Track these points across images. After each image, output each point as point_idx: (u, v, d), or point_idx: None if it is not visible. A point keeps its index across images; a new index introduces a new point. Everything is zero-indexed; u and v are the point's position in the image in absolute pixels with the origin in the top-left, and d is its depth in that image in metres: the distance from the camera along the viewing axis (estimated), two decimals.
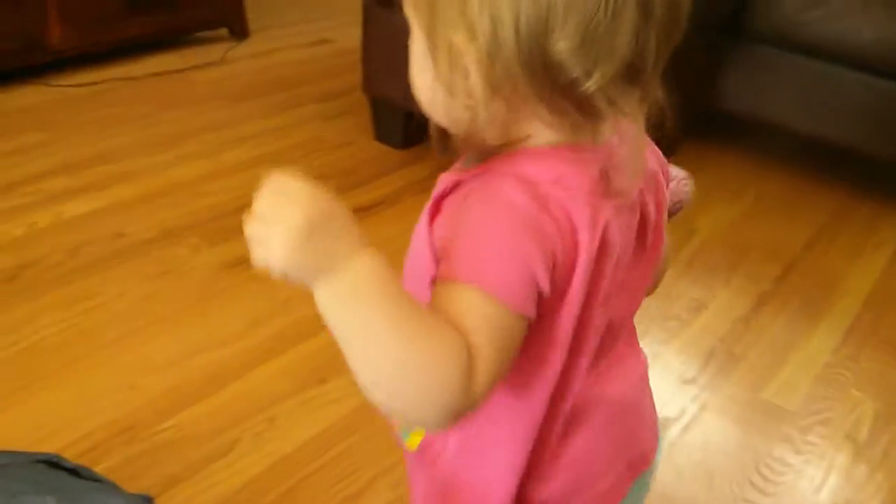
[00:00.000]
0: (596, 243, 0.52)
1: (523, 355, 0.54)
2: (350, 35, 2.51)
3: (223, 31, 2.80)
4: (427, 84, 0.55)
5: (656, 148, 0.63)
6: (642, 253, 0.61)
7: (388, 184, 1.92)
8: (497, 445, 0.60)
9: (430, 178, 1.80)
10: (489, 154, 0.55)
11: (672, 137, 2.00)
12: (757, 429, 1.34)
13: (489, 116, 0.52)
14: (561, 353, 0.56)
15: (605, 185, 0.54)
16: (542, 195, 0.51)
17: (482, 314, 0.50)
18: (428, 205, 0.57)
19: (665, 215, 0.63)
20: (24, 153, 1.93)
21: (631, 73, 0.51)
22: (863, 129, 1.98)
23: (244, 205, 1.70)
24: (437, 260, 0.54)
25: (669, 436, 1.30)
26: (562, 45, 0.49)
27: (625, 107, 0.53)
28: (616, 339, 0.63)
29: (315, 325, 1.43)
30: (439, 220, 0.55)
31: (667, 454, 1.27)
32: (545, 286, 0.51)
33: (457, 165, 0.60)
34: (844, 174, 2.22)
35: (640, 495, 0.71)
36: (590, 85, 0.50)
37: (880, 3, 1.87)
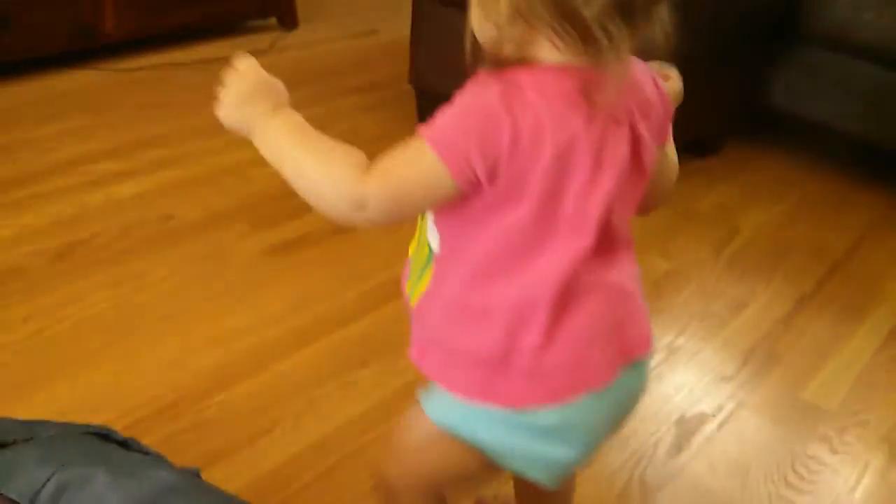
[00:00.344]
0: (561, 138, 0.65)
1: (488, 228, 0.70)
2: (396, 26, 2.54)
3: (273, 21, 2.84)
4: (473, 8, 0.70)
5: (663, 89, 0.75)
6: (637, 169, 0.72)
7: None
8: (477, 293, 0.74)
9: None
10: (506, 66, 0.68)
11: (716, 135, 2.00)
12: (794, 428, 1.34)
13: (510, 34, 0.66)
14: (529, 229, 0.69)
15: (582, 96, 0.66)
16: (514, 98, 0.65)
17: (412, 151, 0.68)
18: None
19: (655, 142, 0.74)
20: (76, 135, 1.98)
21: (623, 11, 0.63)
22: None
23: (289, 191, 1.72)
24: None
25: (705, 431, 1.31)
26: None
27: (618, 40, 0.64)
28: (615, 239, 0.74)
29: (357, 310, 1.46)
30: None
31: (702, 449, 1.27)
32: (479, 166, 0.65)
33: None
34: (891, 177, 2.19)
35: (633, 385, 0.80)
36: (587, 12, 0.62)
37: None
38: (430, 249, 0.81)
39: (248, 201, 1.76)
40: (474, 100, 0.67)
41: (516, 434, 0.75)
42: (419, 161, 0.68)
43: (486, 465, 0.79)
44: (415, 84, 2.11)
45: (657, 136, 0.75)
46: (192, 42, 2.59)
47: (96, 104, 2.15)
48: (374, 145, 2.26)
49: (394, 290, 1.50)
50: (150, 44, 2.51)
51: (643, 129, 0.71)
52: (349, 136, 2.00)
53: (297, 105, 2.58)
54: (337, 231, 1.67)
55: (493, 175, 0.66)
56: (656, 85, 0.75)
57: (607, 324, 0.75)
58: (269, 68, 2.63)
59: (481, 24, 0.69)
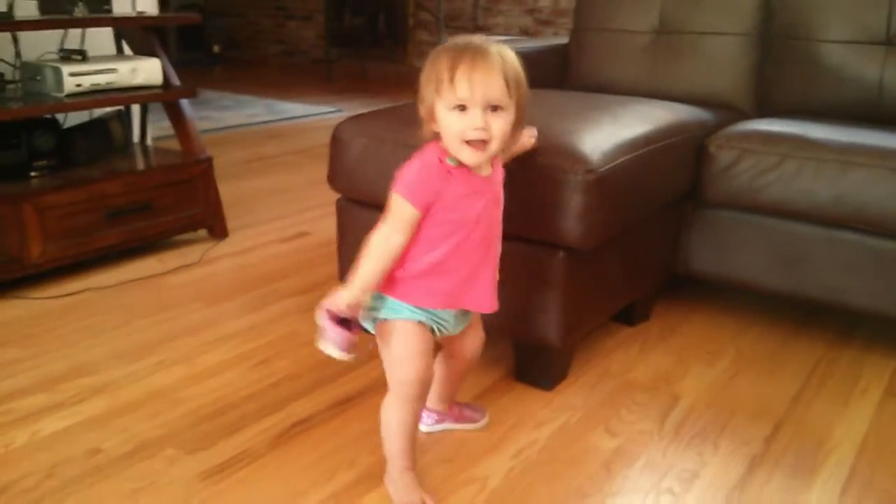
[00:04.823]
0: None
1: None
2: (328, 226, 2.58)
3: (202, 233, 2.87)
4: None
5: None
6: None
7: (369, 372, 1.91)
8: None
9: None
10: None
11: (644, 302, 2.03)
12: None
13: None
14: None
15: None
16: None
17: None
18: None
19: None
20: (1, 370, 1.93)
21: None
22: (831, 282, 2.01)
23: (222, 408, 1.70)
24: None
25: None
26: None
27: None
28: None
29: None
30: None
31: None
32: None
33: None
34: (822, 323, 2.23)
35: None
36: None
37: (833, 168, 1.93)
38: None
39: (177, 425, 1.70)
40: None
41: None
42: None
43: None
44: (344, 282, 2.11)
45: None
46: (120, 262, 2.60)
47: (20, 336, 2.11)
48: (312, 347, 2.23)
49: None
50: (76, 268, 2.50)
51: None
52: (287, 341, 2.02)
53: (233, 314, 2.59)
54: (273, 446, 1.62)
55: None
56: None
57: None
58: (200, 280, 2.67)
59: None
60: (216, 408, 1.76)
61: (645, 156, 1.85)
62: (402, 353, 1.43)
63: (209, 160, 2.82)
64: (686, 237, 2.19)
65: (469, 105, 1.29)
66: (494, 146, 1.33)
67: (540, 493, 1.51)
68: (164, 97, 2.78)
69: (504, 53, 1.33)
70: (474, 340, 1.59)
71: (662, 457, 1.63)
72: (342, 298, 1.33)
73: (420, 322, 1.42)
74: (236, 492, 1.50)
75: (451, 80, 1.29)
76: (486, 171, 1.40)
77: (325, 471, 1.55)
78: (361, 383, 1.88)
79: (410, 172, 1.36)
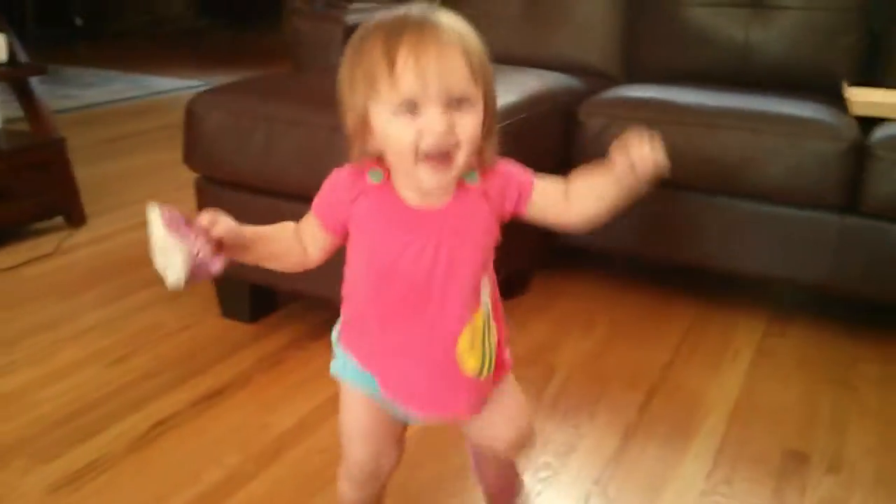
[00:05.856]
0: None
1: None
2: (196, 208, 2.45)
3: (58, 220, 2.70)
4: None
5: None
6: None
7: (237, 363, 1.83)
8: None
9: (281, 351, 1.79)
10: None
11: (522, 274, 1.99)
12: None
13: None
14: None
15: None
16: None
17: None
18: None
19: None
20: None
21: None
22: (704, 246, 2.03)
23: (77, 410, 1.56)
24: None
25: None
26: None
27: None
28: None
29: None
30: None
31: None
32: None
33: None
34: (694, 288, 2.26)
35: None
36: None
37: (699, 132, 1.94)
38: (486, 309, 1.06)
39: (30, 431, 1.58)
40: None
41: None
42: None
43: None
44: None
45: None
46: None
47: None
48: (175, 338, 2.13)
49: None
50: None
51: None
52: (151, 334, 1.88)
53: (90, 307, 2.42)
54: (132, 450, 1.53)
55: None
56: None
57: None
58: (56, 272, 2.48)
59: None
60: (71, 410, 1.64)
61: (513, 126, 1.82)
62: (345, 426, 1.13)
63: (62, 141, 2.64)
64: None
65: (422, 103, 0.90)
66: (462, 156, 0.93)
67: (422, 474, 1.47)
68: (9, 75, 2.59)
69: (458, 25, 0.94)
70: (500, 430, 1.14)
71: (540, 431, 1.61)
72: (219, 220, 0.95)
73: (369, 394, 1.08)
74: (94, 501, 1.40)
75: (391, 69, 0.89)
76: (440, 200, 0.99)
77: (188, 473, 1.46)
78: (226, 378, 1.79)
79: (326, 180, 1.03)
